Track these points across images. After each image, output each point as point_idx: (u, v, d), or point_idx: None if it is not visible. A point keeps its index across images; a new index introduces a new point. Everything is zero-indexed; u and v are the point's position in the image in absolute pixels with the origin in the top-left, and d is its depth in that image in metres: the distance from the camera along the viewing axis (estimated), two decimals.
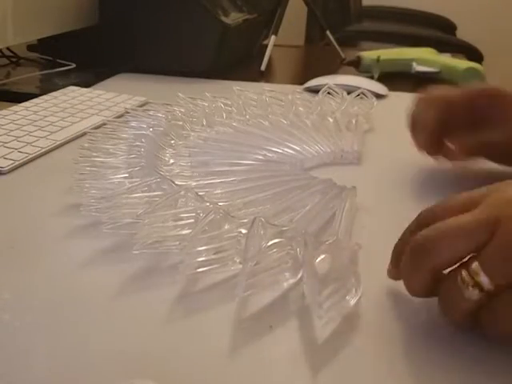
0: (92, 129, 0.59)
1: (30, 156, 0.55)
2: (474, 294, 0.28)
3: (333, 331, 0.32)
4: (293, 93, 0.70)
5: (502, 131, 0.48)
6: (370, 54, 0.97)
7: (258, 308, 0.34)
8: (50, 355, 0.30)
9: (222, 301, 0.34)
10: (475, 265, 0.28)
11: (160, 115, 0.61)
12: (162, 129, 0.57)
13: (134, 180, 0.45)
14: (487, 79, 0.91)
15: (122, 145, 0.52)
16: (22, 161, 0.54)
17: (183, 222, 0.38)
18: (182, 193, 0.40)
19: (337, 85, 0.83)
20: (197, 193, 0.40)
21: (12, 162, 0.54)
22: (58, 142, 0.59)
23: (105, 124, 0.58)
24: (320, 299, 0.31)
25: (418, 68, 0.94)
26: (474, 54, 1.92)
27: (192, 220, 0.38)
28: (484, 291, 0.28)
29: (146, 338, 0.31)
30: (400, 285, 0.34)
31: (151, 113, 0.62)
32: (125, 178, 0.46)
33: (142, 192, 0.42)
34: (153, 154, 0.51)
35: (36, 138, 0.60)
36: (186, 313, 0.34)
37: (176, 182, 0.44)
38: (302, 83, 0.88)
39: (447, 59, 0.97)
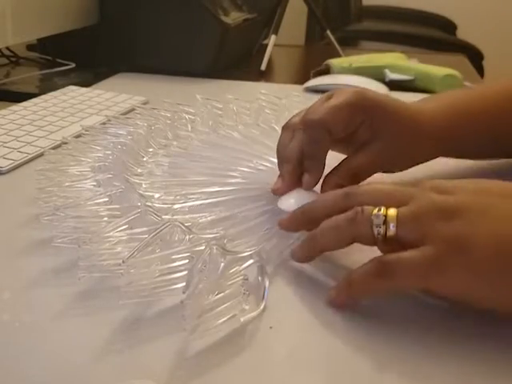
0: (88, 127, 0.58)
1: (30, 156, 0.55)
2: (378, 221, 0.33)
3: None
4: (288, 96, 0.68)
5: (367, 151, 0.45)
6: (339, 62, 0.94)
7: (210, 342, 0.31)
8: None
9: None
10: (393, 210, 0.33)
11: (139, 123, 0.59)
12: (141, 136, 0.56)
13: (99, 189, 0.44)
14: (487, 79, 0.91)
15: (99, 152, 0.52)
16: (21, 161, 0.54)
17: (176, 264, 0.35)
18: (170, 226, 0.37)
19: (337, 85, 0.84)
20: (183, 224, 0.37)
21: (12, 161, 0.54)
22: (57, 142, 0.59)
23: (86, 131, 0.57)
24: (195, 323, 0.30)
25: (392, 76, 0.90)
26: (474, 54, 1.92)
27: (186, 260, 0.35)
28: (386, 233, 0.33)
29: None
30: None
31: (133, 120, 0.60)
32: (92, 186, 0.45)
33: (107, 208, 0.40)
34: (125, 162, 0.50)
35: (35, 138, 0.59)
36: (127, 344, 0.31)
37: (146, 194, 0.43)
38: (302, 83, 0.88)
39: (421, 66, 0.93)
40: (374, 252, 0.36)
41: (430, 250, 0.31)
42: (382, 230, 0.33)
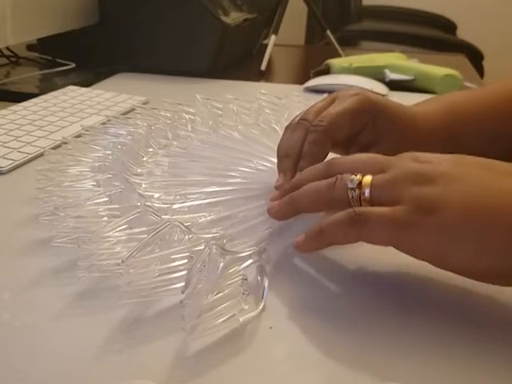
0: (88, 127, 0.58)
1: (30, 156, 0.55)
2: (352, 184, 0.35)
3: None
4: (288, 96, 0.68)
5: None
6: (340, 62, 0.93)
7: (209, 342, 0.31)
8: None
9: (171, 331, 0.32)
10: (369, 176, 0.35)
11: (139, 123, 0.59)
12: (141, 136, 0.55)
13: (99, 189, 0.44)
14: (487, 79, 0.91)
15: (99, 152, 0.52)
16: (21, 160, 0.54)
17: (175, 264, 0.35)
18: (169, 226, 0.37)
19: (337, 85, 0.84)
20: (183, 224, 0.37)
21: (12, 161, 0.54)
22: (57, 142, 0.59)
23: (86, 130, 0.57)
24: (194, 322, 0.30)
25: (392, 76, 0.90)
26: (474, 54, 1.92)
27: (186, 260, 0.35)
28: (361, 197, 0.35)
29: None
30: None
31: (133, 120, 0.60)
32: (92, 185, 0.45)
33: (107, 208, 0.41)
34: (125, 162, 0.49)
35: (35, 138, 0.59)
36: (127, 344, 0.31)
37: (145, 194, 0.44)
38: (302, 83, 0.88)
39: (421, 66, 0.93)
40: (375, 252, 0.36)
41: (400, 208, 0.32)
42: (355, 194, 0.35)
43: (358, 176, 0.35)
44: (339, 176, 0.36)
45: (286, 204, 0.39)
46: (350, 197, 0.35)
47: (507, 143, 0.51)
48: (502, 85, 0.53)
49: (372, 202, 0.34)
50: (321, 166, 0.39)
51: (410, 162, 0.35)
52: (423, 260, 0.33)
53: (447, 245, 0.32)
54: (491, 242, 0.31)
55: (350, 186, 0.35)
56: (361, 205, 0.35)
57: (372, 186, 0.34)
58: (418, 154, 0.36)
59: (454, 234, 0.31)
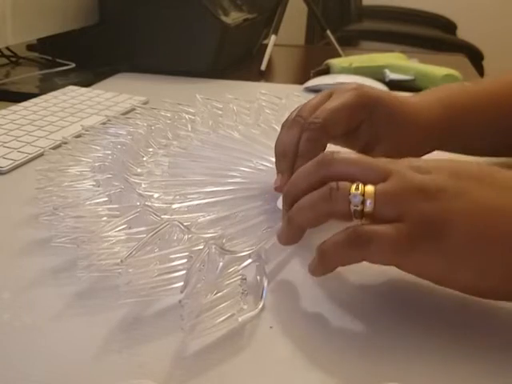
0: (89, 127, 0.58)
1: (30, 156, 0.55)
2: (356, 200, 0.33)
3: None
4: (288, 96, 0.67)
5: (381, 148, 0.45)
6: (340, 62, 0.93)
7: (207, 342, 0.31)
8: None
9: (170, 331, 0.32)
10: (371, 187, 0.33)
11: (139, 123, 0.59)
12: (141, 136, 0.55)
13: (98, 189, 0.44)
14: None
15: (99, 152, 0.52)
16: (21, 160, 0.54)
17: (174, 263, 0.35)
18: (168, 226, 0.37)
19: (337, 84, 0.83)
20: (182, 223, 0.37)
21: (12, 161, 0.54)
22: (57, 142, 0.59)
23: (87, 130, 0.57)
24: (193, 322, 0.30)
25: (392, 76, 0.90)
26: (474, 54, 1.92)
27: (185, 260, 0.35)
28: (363, 210, 0.33)
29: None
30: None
31: (133, 120, 0.60)
32: (92, 185, 0.45)
33: (106, 208, 0.41)
34: (125, 162, 0.50)
35: (35, 138, 0.59)
36: (126, 344, 0.31)
37: (145, 193, 0.44)
38: (302, 83, 0.88)
39: (421, 66, 0.93)
40: None
41: (404, 228, 0.31)
42: (358, 209, 0.33)
43: (360, 188, 0.33)
44: (334, 185, 0.34)
45: (287, 228, 0.37)
46: (352, 211, 0.33)
47: (503, 136, 0.51)
48: (495, 79, 0.53)
49: (374, 216, 0.33)
50: (311, 167, 0.37)
51: (408, 171, 0.33)
52: (427, 280, 0.33)
53: (449, 267, 0.31)
54: (492, 264, 0.31)
55: (353, 202, 0.33)
56: (362, 217, 0.33)
57: (376, 199, 0.32)
58: (416, 163, 0.34)
59: (456, 257, 0.31)
